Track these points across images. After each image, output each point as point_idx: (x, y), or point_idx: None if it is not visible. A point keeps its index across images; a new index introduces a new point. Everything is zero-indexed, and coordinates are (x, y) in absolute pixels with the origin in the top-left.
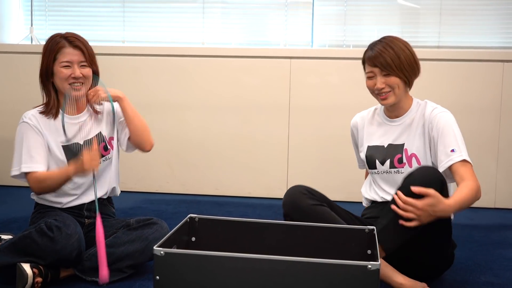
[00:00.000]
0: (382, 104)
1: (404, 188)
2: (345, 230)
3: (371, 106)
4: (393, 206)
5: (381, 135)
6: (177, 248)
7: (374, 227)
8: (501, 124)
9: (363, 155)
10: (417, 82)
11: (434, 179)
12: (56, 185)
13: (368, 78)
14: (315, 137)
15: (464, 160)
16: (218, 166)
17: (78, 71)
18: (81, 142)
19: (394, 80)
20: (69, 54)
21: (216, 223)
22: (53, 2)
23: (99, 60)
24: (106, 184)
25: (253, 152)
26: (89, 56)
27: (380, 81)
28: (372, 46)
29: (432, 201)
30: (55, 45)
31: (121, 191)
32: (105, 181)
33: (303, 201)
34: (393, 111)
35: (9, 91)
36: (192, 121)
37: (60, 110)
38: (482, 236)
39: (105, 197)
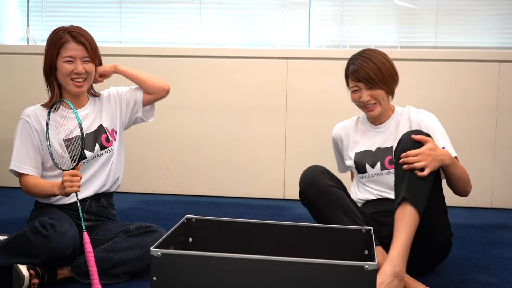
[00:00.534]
0: (368, 116)
1: (402, 148)
2: (342, 231)
3: None
4: (405, 166)
5: (367, 141)
6: (174, 249)
7: (371, 227)
8: (497, 124)
9: (350, 162)
10: (414, 83)
11: (421, 132)
12: (42, 196)
13: (353, 92)
14: (312, 137)
15: (455, 157)
16: (215, 166)
17: (80, 67)
18: (83, 136)
19: (379, 92)
20: (72, 49)
21: (213, 223)
22: (50, 3)
23: None
24: (109, 176)
25: (250, 153)
26: (92, 51)
27: (365, 94)
28: (353, 61)
29: (431, 145)
30: (59, 40)
31: (118, 192)
32: (107, 173)
33: (321, 180)
34: (377, 119)
35: (6, 92)
36: (189, 122)
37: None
38: (479, 236)
39: (111, 190)
